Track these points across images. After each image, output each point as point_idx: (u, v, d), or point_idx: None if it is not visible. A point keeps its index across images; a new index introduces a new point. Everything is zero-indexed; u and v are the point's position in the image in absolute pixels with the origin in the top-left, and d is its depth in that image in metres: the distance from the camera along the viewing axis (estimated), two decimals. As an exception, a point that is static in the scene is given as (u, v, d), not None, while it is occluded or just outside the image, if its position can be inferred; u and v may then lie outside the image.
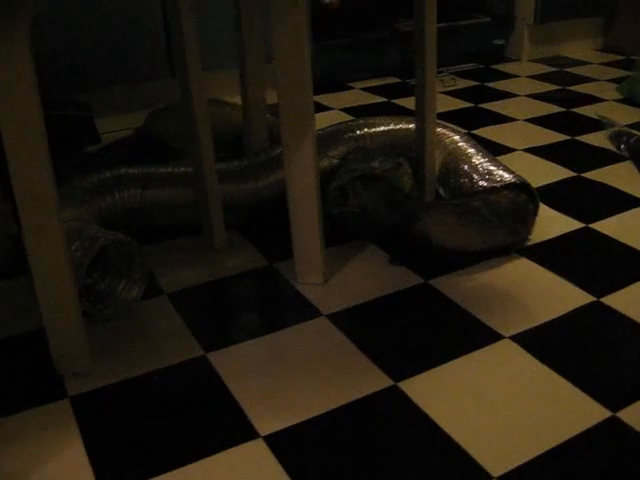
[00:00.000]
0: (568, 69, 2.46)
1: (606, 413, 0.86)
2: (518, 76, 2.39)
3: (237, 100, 1.61)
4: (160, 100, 1.97)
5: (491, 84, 2.30)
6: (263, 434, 0.84)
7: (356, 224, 1.32)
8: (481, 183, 1.25)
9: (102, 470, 0.80)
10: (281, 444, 0.83)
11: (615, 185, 1.49)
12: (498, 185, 1.23)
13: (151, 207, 1.31)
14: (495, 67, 2.51)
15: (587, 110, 1.99)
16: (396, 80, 2.38)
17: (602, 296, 1.10)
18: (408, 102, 2.07)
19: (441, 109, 2.00)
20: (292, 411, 0.88)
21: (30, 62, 0.83)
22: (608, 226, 1.31)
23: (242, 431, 0.85)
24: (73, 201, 1.22)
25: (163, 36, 1.88)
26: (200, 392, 0.92)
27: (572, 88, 2.22)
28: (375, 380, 0.93)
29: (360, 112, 2.01)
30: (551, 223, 1.33)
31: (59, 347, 0.96)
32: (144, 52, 1.89)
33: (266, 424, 0.86)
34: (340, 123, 1.54)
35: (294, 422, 0.86)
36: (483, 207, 1.19)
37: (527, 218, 1.25)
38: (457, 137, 1.42)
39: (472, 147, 1.37)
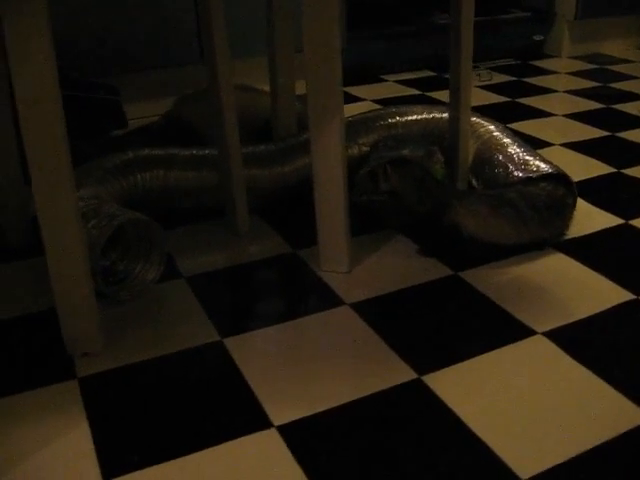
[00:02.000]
0: (608, 66, 2.39)
1: (645, 416, 0.80)
2: (557, 72, 2.32)
3: (266, 88, 1.57)
4: (190, 86, 1.94)
5: (529, 79, 2.24)
6: (277, 424, 0.80)
7: (385, 213, 1.27)
8: (517, 173, 1.19)
9: (106, 453, 0.76)
10: (295, 435, 0.78)
11: (657, 182, 1.42)
12: (534, 176, 1.17)
13: (173, 189, 1.27)
14: (534, 63, 2.44)
15: (628, 107, 1.92)
16: (431, 74, 2.33)
17: (642, 294, 1.04)
18: (442, 95, 2.01)
19: (477, 103, 1.94)
20: (308, 401, 0.83)
21: (47, 36, 0.80)
22: (649, 223, 1.25)
23: (255, 420, 0.81)
24: (93, 180, 1.19)
25: (194, 21, 1.85)
26: (213, 378, 0.88)
27: (612, 85, 2.15)
28: (398, 373, 0.88)
29: (392, 103, 1.95)
30: (589, 218, 1.27)
31: (70, 327, 0.92)
32: (175, 37, 1.86)
33: (281, 414, 0.81)
34: (371, 111, 1.50)
35: (310, 413, 0.82)
36: (519, 199, 1.13)
37: (565, 212, 1.19)
38: (492, 127, 1.37)
39: (508, 137, 1.32)
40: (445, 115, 1.43)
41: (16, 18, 0.78)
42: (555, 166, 1.20)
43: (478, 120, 1.40)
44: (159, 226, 1.06)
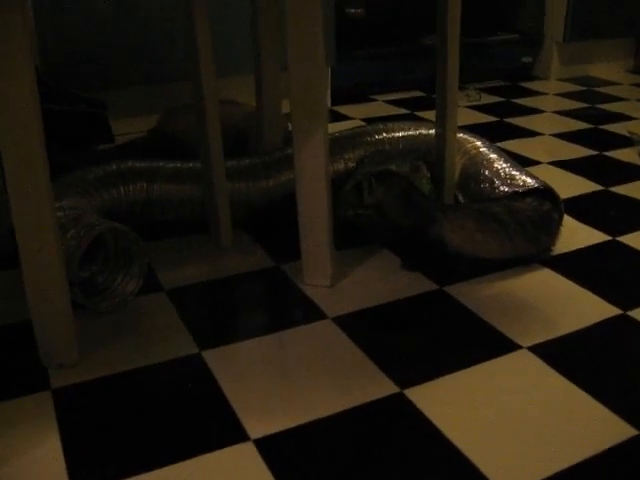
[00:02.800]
0: (597, 88, 2.39)
1: (631, 431, 0.78)
2: (546, 94, 2.33)
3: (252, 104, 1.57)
4: (176, 102, 1.93)
5: (517, 100, 2.24)
6: (254, 437, 0.78)
7: (369, 228, 1.26)
8: (502, 188, 1.18)
9: (76, 466, 0.74)
10: (272, 449, 0.76)
11: (645, 200, 1.42)
12: (520, 190, 1.16)
13: (156, 202, 1.26)
14: (522, 84, 2.45)
15: (616, 127, 1.92)
16: (420, 94, 2.33)
17: (629, 309, 1.02)
18: (431, 115, 1.98)
19: (465, 122, 1.94)
20: (287, 414, 0.81)
21: (25, 49, 0.78)
22: (636, 239, 1.24)
23: (232, 433, 0.78)
24: (75, 191, 1.17)
25: (181, 38, 1.85)
26: (190, 391, 0.86)
27: (601, 106, 2.16)
28: (380, 386, 0.86)
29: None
30: (576, 234, 1.26)
31: (45, 338, 0.90)
32: (162, 53, 1.85)
33: (258, 427, 0.79)
34: (358, 127, 1.49)
35: (288, 426, 0.79)
36: (505, 213, 1.12)
37: (551, 227, 1.18)
38: (479, 143, 1.36)
39: (494, 152, 1.31)
40: (432, 132, 1.42)
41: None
42: (541, 181, 1.19)
43: (465, 136, 1.39)
44: (138, 237, 1.04)
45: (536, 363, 0.91)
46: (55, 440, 0.78)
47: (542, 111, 2.11)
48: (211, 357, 0.92)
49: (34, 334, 0.90)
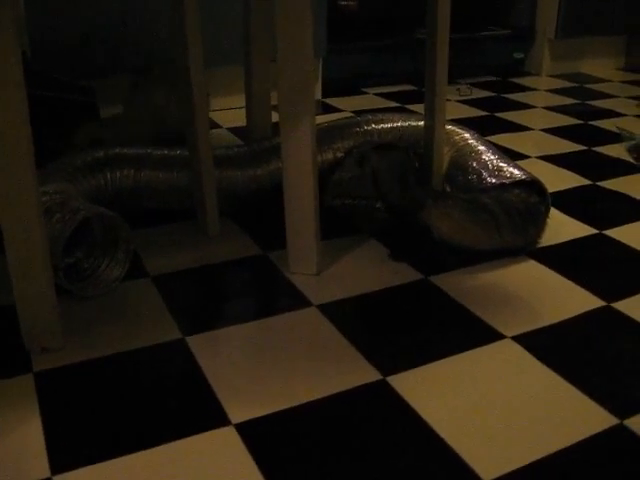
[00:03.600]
0: (588, 85, 2.40)
1: (612, 420, 0.79)
2: (536, 89, 2.33)
3: (242, 96, 1.56)
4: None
5: (508, 95, 2.24)
6: (235, 422, 0.78)
7: (357, 216, 1.26)
8: (490, 180, 1.18)
9: (56, 449, 0.74)
10: (253, 433, 0.76)
11: (631, 194, 1.42)
12: (508, 182, 1.16)
13: (144, 189, 1.25)
14: (514, 80, 2.45)
15: (606, 123, 1.92)
16: (411, 87, 2.33)
17: (613, 301, 1.02)
18: (421, 108, 1.99)
19: (456, 116, 1.94)
20: (269, 400, 0.81)
21: (11, 34, 0.78)
22: (622, 233, 1.24)
23: (213, 417, 0.78)
24: (60, 176, 1.16)
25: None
26: (173, 375, 0.86)
27: (591, 103, 2.16)
28: (362, 373, 0.86)
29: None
30: (563, 227, 1.26)
31: (28, 322, 0.90)
32: (152, 41, 1.84)
33: (239, 411, 0.79)
34: (348, 117, 1.49)
35: (270, 411, 0.79)
36: (494, 204, 1.12)
37: (538, 220, 1.18)
38: (467, 135, 1.36)
39: (482, 145, 1.31)
40: (421, 123, 1.42)
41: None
42: (529, 173, 1.19)
43: (453, 128, 1.39)
44: (125, 222, 1.04)
45: (519, 353, 0.91)
46: (37, 422, 0.77)
47: (532, 106, 2.11)
48: (195, 342, 0.92)
49: (17, 318, 0.89)
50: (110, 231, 1.06)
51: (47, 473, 0.70)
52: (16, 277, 0.87)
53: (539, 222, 1.18)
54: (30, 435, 0.76)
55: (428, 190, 1.24)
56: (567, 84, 2.40)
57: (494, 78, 2.48)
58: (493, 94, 2.26)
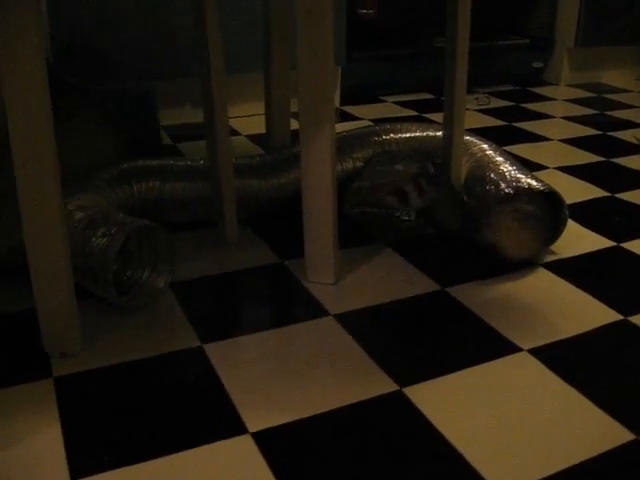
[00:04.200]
0: (607, 95, 2.39)
1: (628, 436, 0.79)
2: (555, 99, 2.33)
3: (261, 104, 1.57)
4: (185, 98, 1.94)
5: (527, 105, 2.24)
6: (252, 430, 0.78)
7: (375, 226, 1.27)
8: (508, 191, 1.18)
9: (76, 454, 0.75)
10: (270, 442, 0.77)
11: (651, 207, 1.42)
12: (526, 193, 1.16)
13: (168, 200, 1.26)
14: (532, 90, 2.45)
15: (625, 134, 1.92)
16: (429, 96, 2.33)
17: (630, 315, 1.02)
18: (439, 117, 2.00)
19: (474, 125, 1.94)
20: (286, 409, 0.82)
21: (37, 46, 0.79)
22: (641, 246, 1.24)
23: (230, 425, 0.79)
24: (93, 188, 1.17)
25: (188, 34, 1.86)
26: (190, 382, 0.87)
27: (610, 113, 2.15)
28: (379, 384, 0.87)
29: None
30: (580, 239, 1.26)
31: (49, 326, 0.91)
32: (170, 50, 1.86)
33: (256, 420, 0.80)
34: (367, 126, 1.49)
35: (286, 420, 0.80)
36: (538, 210, 1.13)
37: (556, 231, 1.19)
38: (485, 145, 1.36)
39: (500, 155, 1.31)
40: (439, 134, 1.43)
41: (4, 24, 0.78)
42: (547, 185, 1.19)
43: (471, 139, 1.39)
44: (168, 233, 1.04)
45: (536, 365, 0.91)
46: (56, 427, 0.78)
47: (551, 116, 2.11)
48: (212, 350, 0.93)
49: (38, 322, 0.90)
50: (148, 242, 1.06)
51: (66, 478, 0.71)
52: (38, 285, 0.88)
53: (556, 234, 1.19)
54: (50, 439, 0.77)
55: (474, 205, 1.23)
56: (586, 94, 2.40)
57: (512, 87, 2.48)
58: (511, 104, 2.26)
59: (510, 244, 1.14)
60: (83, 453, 0.75)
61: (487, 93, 2.35)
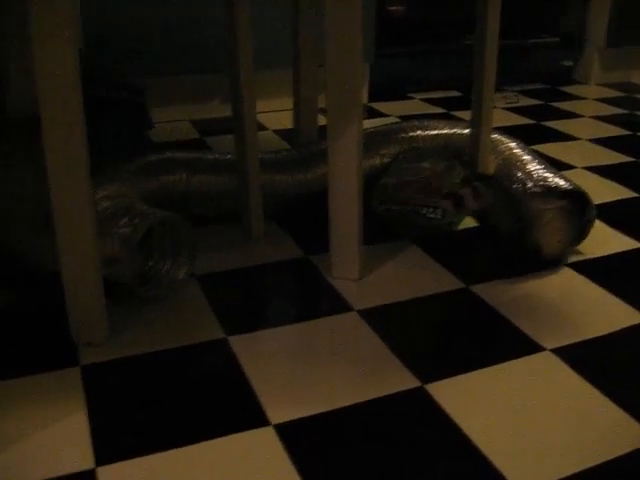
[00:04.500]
0: (637, 95, 2.37)
1: (650, 438, 0.79)
2: (585, 98, 2.31)
3: (289, 100, 1.58)
4: (214, 93, 1.96)
5: (556, 104, 2.22)
6: (274, 422, 0.79)
7: (400, 222, 1.27)
8: (535, 190, 1.18)
9: (101, 441, 0.76)
10: (292, 434, 0.78)
11: (679, 209, 1.40)
12: (554, 192, 1.16)
13: (194, 193, 1.27)
14: (562, 88, 2.43)
15: (655, 135, 1.90)
16: (457, 94, 2.33)
17: (656, 317, 1.02)
18: (467, 115, 2.00)
19: (501, 123, 1.93)
20: (308, 402, 0.83)
21: (72, 37, 0.81)
22: (668, 248, 1.23)
23: (253, 417, 0.80)
24: (119, 179, 1.19)
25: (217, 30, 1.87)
26: (215, 374, 0.88)
27: (641, 113, 2.14)
28: (401, 380, 0.87)
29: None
30: (607, 240, 1.26)
31: (76, 315, 0.93)
32: (203, 45, 1.87)
33: (279, 412, 0.81)
34: (394, 123, 1.50)
35: (309, 414, 0.81)
36: (569, 207, 1.14)
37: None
38: (513, 144, 1.36)
39: (528, 154, 1.31)
40: (466, 131, 1.42)
41: (41, 13, 0.79)
42: (574, 184, 1.18)
43: (499, 137, 1.39)
44: (189, 225, 1.05)
45: (559, 365, 0.91)
46: (82, 414, 0.80)
47: (580, 116, 2.09)
48: (237, 343, 0.94)
49: (66, 312, 0.92)
50: (170, 234, 1.08)
51: (92, 464, 0.73)
52: (67, 274, 0.90)
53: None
54: (76, 426, 0.78)
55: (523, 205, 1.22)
56: (616, 93, 2.38)
57: (542, 86, 2.46)
58: (540, 102, 2.25)
59: (553, 241, 1.14)
60: (108, 440, 0.76)
61: (516, 91, 2.34)
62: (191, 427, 0.78)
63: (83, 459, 0.73)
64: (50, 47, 0.80)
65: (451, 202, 1.15)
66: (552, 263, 1.15)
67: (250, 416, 0.80)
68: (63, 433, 0.77)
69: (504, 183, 1.23)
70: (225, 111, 1.94)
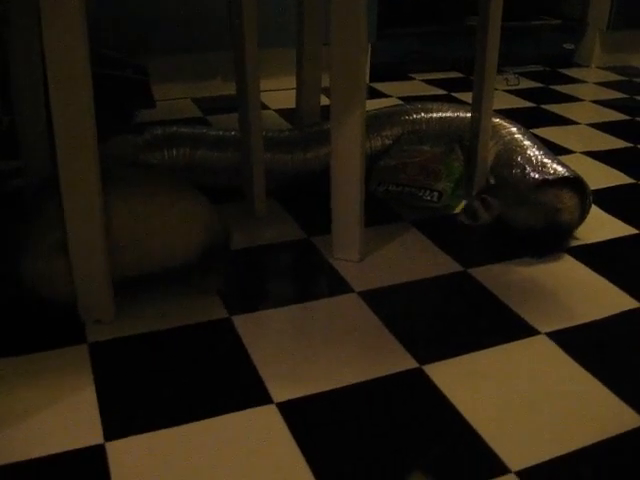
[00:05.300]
0: (637, 79, 2.38)
1: (639, 421, 0.81)
2: (585, 82, 2.32)
3: (292, 78, 1.59)
4: (216, 71, 1.96)
5: (556, 87, 2.24)
6: (277, 400, 0.82)
7: (400, 204, 1.29)
8: (533, 175, 1.20)
9: (109, 415, 0.79)
10: (294, 412, 0.80)
11: (675, 195, 1.42)
12: (551, 178, 1.18)
13: (198, 167, 1.30)
14: (562, 71, 2.44)
15: (654, 120, 1.92)
16: (459, 75, 2.34)
17: (649, 303, 1.04)
18: (468, 97, 2.01)
19: (502, 106, 1.94)
20: (310, 381, 0.85)
21: (81, 17, 0.82)
22: (663, 234, 1.25)
23: (256, 395, 0.83)
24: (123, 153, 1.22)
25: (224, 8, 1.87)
26: (219, 352, 0.90)
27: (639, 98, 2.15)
28: (399, 360, 0.90)
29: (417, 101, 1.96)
30: (603, 226, 1.28)
31: (84, 294, 0.94)
32: (206, 22, 1.87)
33: (281, 391, 0.83)
34: (397, 105, 1.51)
35: (310, 392, 0.83)
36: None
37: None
38: (514, 129, 1.38)
39: (528, 139, 1.33)
40: (469, 115, 1.44)
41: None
42: (572, 170, 1.20)
43: (500, 122, 1.41)
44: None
45: (553, 349, 0.93)
46: (91, 390, 0.82)
47: (580, 99, 2.11)
48: (240, 322, 0.96)
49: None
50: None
51: (101, 440, 0.75)
52: (74, 250, 0.92)
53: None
54: (84, 402, 0.81)
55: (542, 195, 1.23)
56: (616, 77, 2.39)
57: (542, 68, 2.47)
58: (541, 85, 2.26)
59: (579, 220, 1.18)
60: (116, 416, 0.79)
61: (517, 73, 2.35)
62: (196, 404, 0.81)
63: (92, 434, 0.76)
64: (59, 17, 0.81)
65: (464, 215, 1.18)
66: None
67: (253, 394, 0.83)
68: (72, 409, 0.80)
69: (504, 171, 1.25)
70: (227, 89, 1.95)
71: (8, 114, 1.23)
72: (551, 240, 1.16)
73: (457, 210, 1.30)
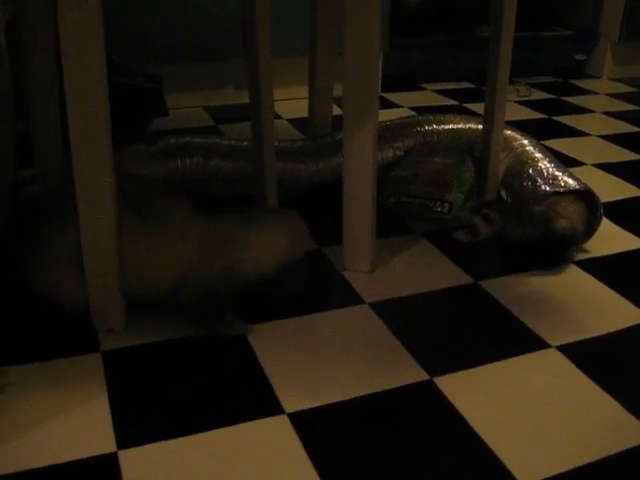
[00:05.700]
0: (650, 91, 2.38)
1: (650, 435, 0.81)
2: (597, 93, 2.32)
3: (304, 88, 1.60)
4: (228, 80, 1.98)
5: (567, 98, 2.24)
6: (288, 411, 0.82)
7: (411, 215, 1.30)
8: (544, 187, 1.20)
9: (122, 424, 0.79)
10: (305, 423, 0.81)
11: (687, 209, 1.42)
12: (562, 190, 1.18)
13: (211, 177, 1.31)
14: (574, 82, 2.44)
15: (666, 133, 1.92)
16: (470, 85, 2.34)
17: (660, 317, 1.04)
18: (479, 107, 2.01)
19: (513, 117, 1.94)
20: (321, 392, 0.86)
21: (98, 26, 0.83)
22: (674, 248, 1.25)
23: (267, 405, 0.83)
24: (138, 161, 1.24)
25: (239, 17, 1.88)
26: (230, 362, 0.91)
27: (651, 110, 2.15)
28: (410, 372, 0.90)
29: (428, 112, 1.96)
30: (613, 239, 1.28)
31: (97, 302, 0.95)
32: (220, 31, 1.89)
33: (292, 401, 0.84)
34: (409, 116, 1.52)
35: (321, 403, 0.84)
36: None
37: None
38: (526, 141, 1.38)
39: (539, 152, 1.33)
40: (481, 127, 1.44)
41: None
42: (583, 183, 1.21)
43: (512, 134, 1.41)
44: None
45: (563, 362, 0.94)
46: (103, 398, 0.83)
47: (592, 111, 2.11)
48: (252, 332, 0.97)
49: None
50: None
51: (113, 448, 0.76)
52: (88, 259, 0.92)
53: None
54: (97, 410, 0.81)
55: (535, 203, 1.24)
56: (628, 89, 2.39)
57: (554, 79, 2.47)
58: (552, 96, 2.26)
59: (580, 223, 1.17)
60: (129, 424, 0.79)
61: (528, 84, 2.35)
62: (208, 414, 0.82)
63: (105, 443, 0.77)
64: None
65: (466, 232, 1.19)
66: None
67: (265, 404, 0.83)
68: (85, 417, 0.80)
69: (515, 183, 1.26)
70: (239, 98, 1.96)
71: (24, 119, 1.24)
72: (550, 248, 1.16)
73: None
